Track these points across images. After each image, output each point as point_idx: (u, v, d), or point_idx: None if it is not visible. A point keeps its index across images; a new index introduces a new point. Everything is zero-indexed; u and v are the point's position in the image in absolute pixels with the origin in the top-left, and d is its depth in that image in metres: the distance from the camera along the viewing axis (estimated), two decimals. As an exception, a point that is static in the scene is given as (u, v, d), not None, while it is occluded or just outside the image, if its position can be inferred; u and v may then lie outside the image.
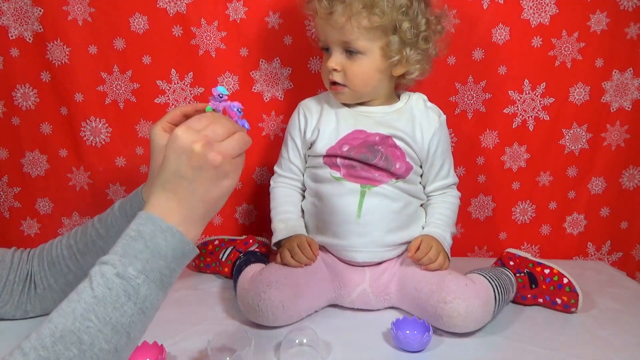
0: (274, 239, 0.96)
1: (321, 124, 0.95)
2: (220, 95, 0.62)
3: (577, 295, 0.92)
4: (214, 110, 0.62)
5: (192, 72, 1.12)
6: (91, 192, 1.18)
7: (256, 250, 1.06)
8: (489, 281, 0.87)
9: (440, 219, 0.96)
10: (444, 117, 0.97)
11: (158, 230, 0.53)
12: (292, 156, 1.00)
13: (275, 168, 1.03)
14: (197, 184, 0.55)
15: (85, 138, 1.14)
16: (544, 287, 0.95)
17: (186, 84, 1.12)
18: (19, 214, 1.19)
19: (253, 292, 0.84)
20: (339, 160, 0.92)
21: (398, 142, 0.92)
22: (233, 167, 0.56)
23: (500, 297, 0.86)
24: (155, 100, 1.13)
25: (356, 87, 0.91)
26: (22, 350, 0.46)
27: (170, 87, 1.13)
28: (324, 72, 0.94)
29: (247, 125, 0.61)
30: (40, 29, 1.08)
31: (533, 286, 0.95)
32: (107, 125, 1.14)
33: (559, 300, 0.93)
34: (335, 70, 0.89)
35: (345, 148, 0.92)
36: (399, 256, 0.94)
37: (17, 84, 1.11)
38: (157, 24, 1.09)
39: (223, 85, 0.68)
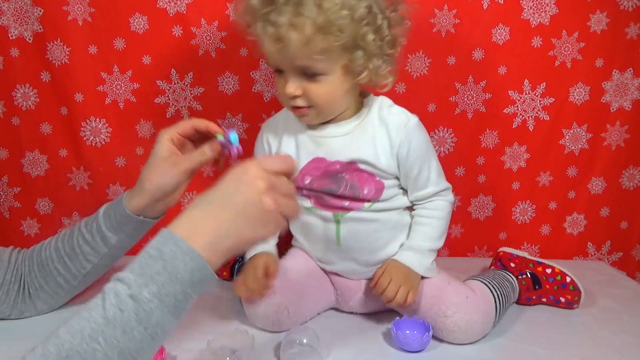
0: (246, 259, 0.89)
1: (281, 151, 0.87)
2: (230, 141, 0.73)
3: (580, 292, 0.94)
4: (223, 139, 0.74)
5: (192, 72, 1.12)
6: (91, 192, 1.18)
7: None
8: (491, 290, 0.85)
9: (416, 237, 0.85)
10: (414, 120, 0.84)
11: (179, 252, 0.51)
12: None
13: None
14: (240, 219, 0.54)
15: (85, 138, 1.14)
16: (547, 287, 0.95)
17: (186, 84, 1.12)
18: (19, 214, 1.19)
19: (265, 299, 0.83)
20: (304, 191, 0.86)
21: (362, 166, 0.82)
22: (276, 222, 0.57)
23: (501, 307, 0.85)
24: (155, 100, 1.13)
25: (321, 108, 0.80)
26: None
27: (170, 87, 1.12)
28: (281, 96, 0.82)
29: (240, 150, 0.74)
30: (40, 29, 1.08)
31: (537, 287, 0.95)
32: (107, 125, 1.14)
33: (562, 299, 0.94)
34: (295, 96, 0.78)
35: (308, 180, 0.85)
36: None
37: (17, 84, 1.11)
38: (157, 24, 1.09)
39: (235, 132, 0.73)
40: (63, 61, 1.09)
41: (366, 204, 0.84)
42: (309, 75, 0.76)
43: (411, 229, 0.86)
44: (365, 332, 0.85)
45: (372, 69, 0.77)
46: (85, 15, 1.08)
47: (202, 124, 0.76)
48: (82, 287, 0.86)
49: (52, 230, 1.19)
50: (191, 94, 1.13)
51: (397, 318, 0.83)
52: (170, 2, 1.08)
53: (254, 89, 1.14)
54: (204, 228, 0.54)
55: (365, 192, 0.83)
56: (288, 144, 0.87)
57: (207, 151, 0.76)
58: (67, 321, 0.48)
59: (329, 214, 0.85)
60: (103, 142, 1.15)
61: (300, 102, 0.79)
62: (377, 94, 0.87)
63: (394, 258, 0.84)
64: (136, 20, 1.08)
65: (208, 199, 0.56)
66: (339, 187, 0.83)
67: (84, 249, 0.80)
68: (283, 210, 0.57)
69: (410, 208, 0.89)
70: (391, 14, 0.77)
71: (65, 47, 1.08)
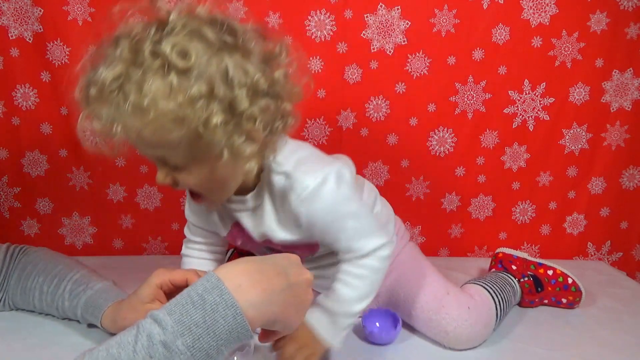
0: None
1: (210, 218, 0.78)
2: None
3: (581, 293, 0.94)
4: None
5: (192, 72, 1.12)
6: (91, 192, 1.18)
7: None
8: (492, 296, 0.84)
9: (332, 297, 0.71)
10: (317, 181, 0.66)
11: (222, 305, 0.47)
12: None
13: (185, 230, 0.85)
14: (290, 292, 0.53)
15: (85, 138, 1.14)
16: (549, 289, 0.95)
17: (186, 84, 1.12)
18: (19, 214, 1.19)
19: None
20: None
21: (277, 242, 0.73)
22: (304, 314, 0.58)
23: (501, 312, 0.85)
24: (155, 100, 1.13)
25: (215, 196, 0.68)
26: None
27: (170, 87, 1.12)
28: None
29: None
30: (40, 29, 1.07)
31: (539, 289, 0.95)
32: (107, 125, 1.14)
33: (564, 300, 0.95)
34: (171, 185, 0.64)
35: (239, 242, 0.78)
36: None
37: (17, 84, 1.11)
38: (157, 24, 1.08)
39: None
40: (63, 61, 1.09)
41: (308, 256, 0.79)
42: (171, 166, 0.62)
43: (332, 285, 0.72)
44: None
45: (232, 151, 0.59)
46: (85, 15, 1.08)
47: (196, 277, 0.69)
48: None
49: (52, 230, 1.19)
50: (191, 94, 1.13)
51: (370, 309, 0.82)
52: (170, 2, 1.07)
53: (254, 89, 1.14)
54: (255, 285, 0.50)
55: (299, 252, 0.66)
56: (212, 214, 0.78)
57: None
58: (93, 350, 0.47)
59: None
60: (103, 142, 1.15)
61: (185, 189, 0.68)
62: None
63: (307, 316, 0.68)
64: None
65: (262, 260, 0.54)
66: (270, 251, 0.75)
67: (59, 310, 0.83)
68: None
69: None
70: (261, 77, 0.59)
71: (65, 47, 1.08)
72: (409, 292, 0.83)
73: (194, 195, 0.68)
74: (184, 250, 0.84)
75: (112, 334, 0.75)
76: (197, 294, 0.48)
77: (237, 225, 0.75)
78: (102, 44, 0.61)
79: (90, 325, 0.81)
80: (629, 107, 1.16)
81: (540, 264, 0.98)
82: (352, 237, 0.70)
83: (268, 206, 0.71)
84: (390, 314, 0.82)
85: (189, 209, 0.81)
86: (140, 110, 0.55)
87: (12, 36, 1.08)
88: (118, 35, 0.60)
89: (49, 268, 0.84)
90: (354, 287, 0.71)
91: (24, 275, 0.84)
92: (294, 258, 0.57)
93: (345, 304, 0.70)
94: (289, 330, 0.57)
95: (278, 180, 0.68)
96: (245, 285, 0.49)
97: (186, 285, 0.59)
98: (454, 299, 0.80)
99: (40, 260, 0.85)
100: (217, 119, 0.56)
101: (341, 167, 0.69)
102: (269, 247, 0.75)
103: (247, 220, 0.73)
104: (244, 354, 0.71)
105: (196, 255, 0.83)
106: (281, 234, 0.72)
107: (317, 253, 0.79)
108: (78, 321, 0.82)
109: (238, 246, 0.79)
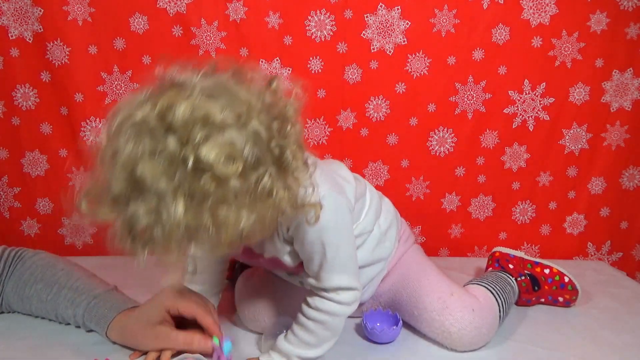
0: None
1: None
2: (222, 349, 0.70)
3: (578, 292, 0.94)
4: (217, 343, 0.70)
5: (192, 72, 1.12)
6: (91, 192, 1.18)
7: None
8: (495, 297, 0.84)
9: (290, 337, 0.71)
10: (315, 212, 0.62)
11: None
12: None
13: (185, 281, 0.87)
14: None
15: (85, 138, 1.14)
16: (546, 287, 0.95)
17: (186, 84, 1.12)
18: (19, 214, 1.19)
19: (247, 302, 0.83)
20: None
21: (286, 259, 0.72)
22: None
23: (503, 313, 0.85)
24: (155, 100, 1.13)
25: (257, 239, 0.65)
26: None
27: (170, 87, 1.12)
28: None
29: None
30: (40, 29, 1.08)
31: (536, 288, 0.95)
32: (107, 125, 1.14)
33: (560, 299, 0.95)
34: None
35: (242, 258, 0.81)
36: (383, 279, 0.85)
37: (17, 84, 1.11)
38: (157, 24, 1.08)
39: (231, 343, 0.71)
40: (63, 61, 1.09)
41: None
42: None
43: (291, 326, 0.72)
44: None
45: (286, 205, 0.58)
46: (85, 15, 1.08)
47: (205, 321, 0.72)
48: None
49: (52, 230, 1.19)
50: (191, 94, 1.13)
51: (371, 310, 0.84)
52: (170, 2, 1.08)
53: (254, 89, 1.14)
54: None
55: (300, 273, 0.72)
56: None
57: (196, 345, 0.72)
58: None
59: (283, 273, 0.81)
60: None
61: None
62: None
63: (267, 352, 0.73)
64: (136, 20, 1.08)
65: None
66: (279, 270, 0.80)
67: (58, 318, 0.82)
68: None
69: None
70: (281, 132, 0.57)
71: (65, 47, 1.08)
72: (412, 292, 0.82)
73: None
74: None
75: (114, 344, 0.76)
76: None
77: (247, 250, 0.74)
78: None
79: (91, 330, 0.80)
80: (629, 107, 1.16)
81: (537, 263, 0.98)
82: (322, 266, 0.68)
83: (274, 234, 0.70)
84: (392, 315, 0.82)
85: (192, 270, 0.82)
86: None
87: (12, 36, 1.08)
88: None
89: (47, 275, 0.82)
90: (310, 331, 0.70)
91: (20, 282, 0.82)
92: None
93: (301, 347, 0.70)
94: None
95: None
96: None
97: (194, 320, 0.73)
98: (458, 301, 0.79)
99: (38, 267, 0.83)
100: (280, 194, 0.55)
101: (340, 196, 0.68)
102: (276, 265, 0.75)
103: (257, 243, 0.72)
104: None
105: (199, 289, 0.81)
106: (284, 257, 0.72)
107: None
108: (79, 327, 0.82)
109: (242, 261, 0.83)
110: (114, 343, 0.76)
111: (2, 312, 0.86)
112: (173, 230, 0.51)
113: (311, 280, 0.70)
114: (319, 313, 0.69)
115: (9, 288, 0.83)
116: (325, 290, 0.69)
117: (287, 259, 0.72)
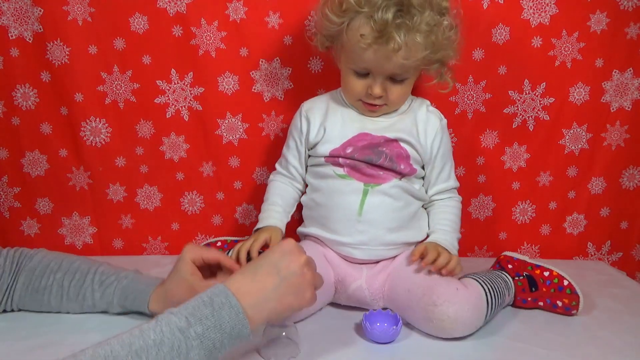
0: (255, 229, 0.95)
1: (327, 124, 0.95)
2: None
3: (578, 297, 0.92)
4: None
5: (192, 72, 1.12)
6: (91, 192, 1.18)
7: (260, 251, 1.05)
8: (482, 285, 0.86)
9: (446, 224, 0.95)
10: (444, 121, 0.98)
11: (227, 304, 0.59)
12: (291, 158, 1.00)
13: (276, 164, 1.05)
14: (284, 285, 0.65)
15: (85, 138, 1.14)
16: (544, 289, 0.94)
17: (186, 84, 1.12)
18: (19, 214, 1.19)
19: None
20: (341, 160, 0.92)
21: (403, 145, 0.93)
22: (311, 292, 0.68)
23: (493, 301, 0.85)
24: (155, 100, 1.13)
25: (394, 105, 0.94)
26: (76, 358, 0.53)
27: (170, 87, 1.12)
28: (354, 93, 0.91)
29: None
30: (40, 29, 1.08)
31: (533, 289, 0.94)
32: (107, 125, 1.14)
33: (559, 303, 0.93)
34: (379, 96, 0.89)
35: (349, 149, 0.92)
36: (394, 257, 0.93)
37: (17, 84, 1.11)
38: (157, 24, 1.08)
39: None
40: (63, 61, 1.09)
41: (396, 179, 0.92)
42: (396, 79, 0.88)
43: (435, 218, 0.96)
44: (338, 324, 0.86)
45: (442, 76, 0.94)
46: (85, 15, 1.08)
47: (228, 263, 0.81)
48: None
49: (52, 230, 1.20)
50: (191, 93, 1.13)
51: (371, 310, 0.84)
52: (170, 2, 1.08)
53: (254, 89, 1.14)
54: (252, 289, 0.63)
55: (402, 167, 0.92)
56: (334, 118, 0.95)
57: None
58: (119, 334, 0.56)
59: (360, 183, 0.91)
60: (103, 142, 1.15)
61: (378, 101, 0.91)
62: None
63: (432, 240, 0.91)
64: (136, 20, 1.08)
65: (257, 264, 0.66)
66: (379, 157, 0.91)
67: (87, 301, 0.83)
68: (316, 281, 0.69)
69: (424, 207, 0.99)
70: (455, 27, 0.90)
71: (65, 47, 1.08)
72: (403, 284, 0.87)
73: (374, 105, 0.92)
74: (271, 177, 1.04)
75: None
76: (208, 296, 0.60)
77: (361, 135, 0.92)
78: None
79: (119, 313, 0.83)
80: (629, 107, 1.16)
81: (538, 266, 0.97)
82: (451, 171, 1.00)
83: (413, 119, 0.95)
84: (392, 315, 0.83)
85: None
86: (425, 40, 0.84)
87: (12, 36, 1.08)
88: None
89: (64, 266, 0.84)
90: (456, 215, 0.98)
91: (34, 276, 0.83)
92: (287, 247, 0.68)
93: (455, 227, 0.96)
94: (296, 313, 0.69)
95: (423, 106, 0.97)
96: (243, 290, 0.62)
97: (217, 264, 0.81)
98: (445, 281, 0.84)
99: (51, 260, 0.84)
100: (450, 54, 0.91)
101: None
102: (369, 161, 0.91)
103: (386, 125, 0.94)
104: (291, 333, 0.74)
105: (280, 181, 1.01)
106: (416, 140, 0.93)
107: (398, 182, 0.92)
108: (105, 312, 0.83)
109: (345, 155, 0.92)
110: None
111: (5, 311, 0.85)
112: None
113: (443, 185, 0.98)
114: (457, 206, 0.99)
115: (19, 285, 0.83)
116: (452, 189, 1.00)
117: (408, 148, 0.93)
